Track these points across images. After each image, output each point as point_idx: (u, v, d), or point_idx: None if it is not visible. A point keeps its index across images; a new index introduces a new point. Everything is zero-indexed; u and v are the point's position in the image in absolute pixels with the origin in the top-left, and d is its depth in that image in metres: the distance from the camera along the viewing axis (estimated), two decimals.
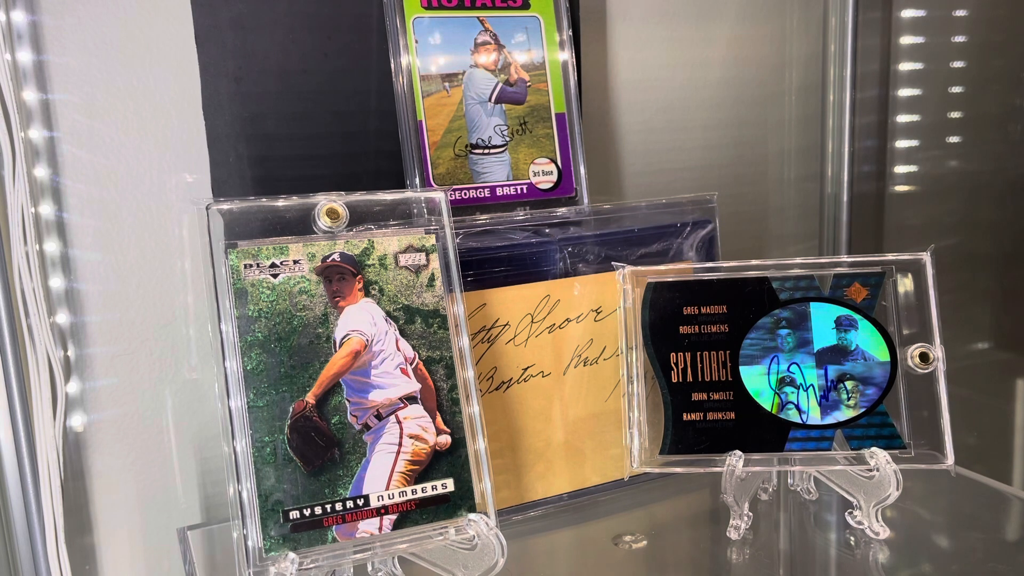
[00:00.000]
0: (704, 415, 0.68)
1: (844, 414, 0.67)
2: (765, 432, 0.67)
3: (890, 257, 0.69)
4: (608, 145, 0.94)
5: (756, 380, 0.68)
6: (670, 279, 0.69)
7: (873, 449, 0.66)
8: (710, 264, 0.71)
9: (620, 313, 0.71)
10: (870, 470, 0.65)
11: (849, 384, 0.67)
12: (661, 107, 0.96)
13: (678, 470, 0.68)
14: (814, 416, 0.67)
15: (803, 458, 0.67)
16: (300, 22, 0.74)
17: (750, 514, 0.67)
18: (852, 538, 0.67)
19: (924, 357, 0.67)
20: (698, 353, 0.68)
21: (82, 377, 0.73)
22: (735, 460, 0.66)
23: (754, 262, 0.69)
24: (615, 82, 0.93)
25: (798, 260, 0.69)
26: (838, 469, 0.67)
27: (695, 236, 0.77)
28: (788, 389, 0.68)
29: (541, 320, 0.71)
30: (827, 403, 0.67)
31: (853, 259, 0.69)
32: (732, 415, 0.68)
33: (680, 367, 0.69)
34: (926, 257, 0.68)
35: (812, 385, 0.68)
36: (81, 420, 0.74)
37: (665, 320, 0.69)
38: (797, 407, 0.67)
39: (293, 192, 0.61)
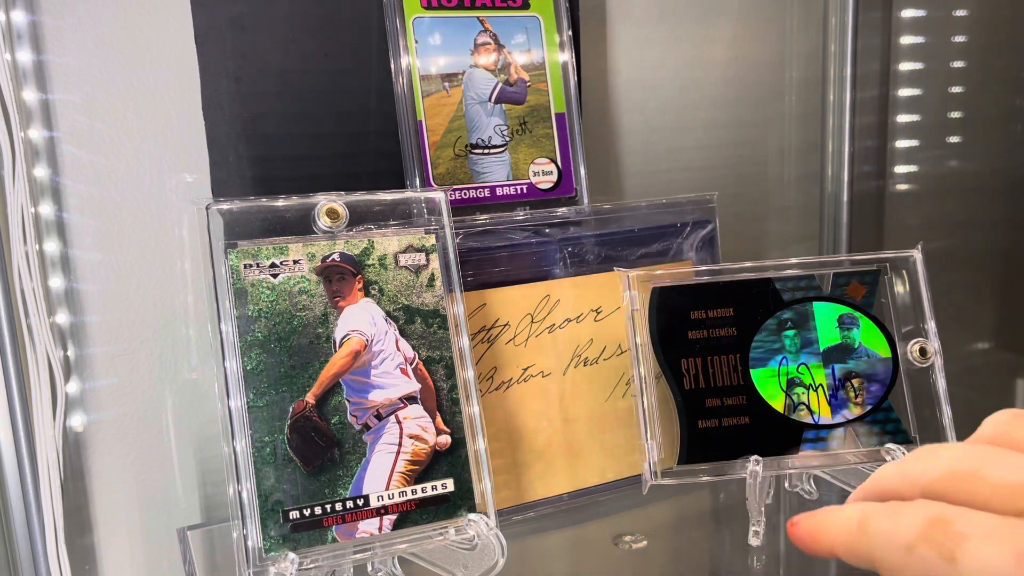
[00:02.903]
0: (719, 421, 0.67)
1: (852, 412, 0.67)
2: (779, 435, 0.67)
3: (882, 255, 0.69)
4: (608, 145, 0.94)
5: (767, 382, 0.68)
6: (676, 284, 0.68)
7: (889, 446, 0.66)
8: (711, 267, 0.71)
9: (627, 320, 0.69)
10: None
11: (855, 382, 0.68)
12: (661, 107, 0.96)
13: (700, 479, 0.66)
14: (824, 416, 0.67)
15: (819, 458, 0.67)
16: (300, 22, 0.74)
17: (762, 518, 0.67)
18: None
19: (924, 351, 0.68)
20: (708, 358, 0.68)
21: (82, 377, 0.73)
22: (756, 465, 0.65)
23: (749, 264, 0.69)
24: (615, 82, 0.93)
25: (794, 260, 0.69)
26: (853, 466, 0.67)
27: (695, 236, 0.76)
28: (798, 390, 0.67)
29: (541, 320, 0.71)
30: (836, 402, 0.67)
31: (845, 258, 0.70)
32: (747, 419, 0.67)
33: (692, 373, 0.68)
34: (916, 254, 0.69)
35: (821, 385, 0.68)
36: (81, 420, 0.74)
37: (673, 326, 0.68)
38: (808, 408, 0.67)
39: (293, 192, 0.60)
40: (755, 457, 0.66)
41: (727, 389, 0.67)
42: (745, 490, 0.65)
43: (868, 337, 0.68)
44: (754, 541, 0.66)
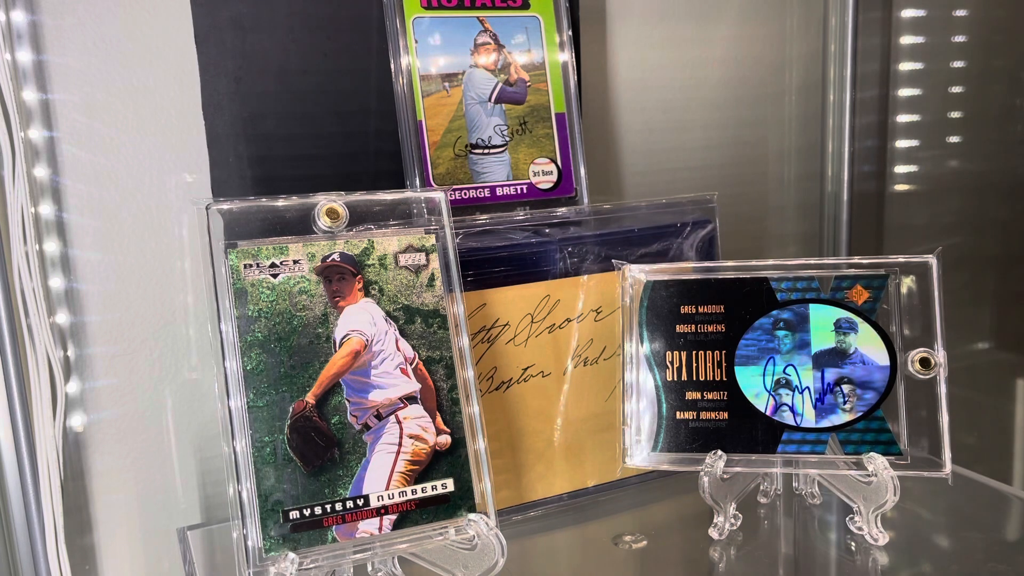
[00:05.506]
0: (697, 414, 0.68)
1: (840, 418, 0.67)
2: (758, 433, 0.67)
3: (895, 259, 0.67)
4: (608, 145, 0.94)
5: (751, 381, 0.68)
6: (668, 277, 0.69)
7: (872, 454, 0.65)
8: (711, 264, 0.71)
9: (620, 310, 0.70)
10: (868, 475, 0.65)
11: (846, 388, 0.67)
12: (661, 107, 0.96)
13: (670, 468, 0.68)
14: (808, 419, 0.67)
15: (793, 460, 0.67)
16: (300, 22, 0.74)
17: (738, 514, 0.67)
18: (852, 543, 0.66)
19: (925, 363, 0.65)
20: (694, 352, 0.68)
21: (82, 377, 0.73)
22: (715, 459, 0.66)
23: (754, 262, 0.69)
24: (615, 82, 0.93)
25: (799, 261, 0.69)
26: (831, 473, 0.66)
27: (695, 236, 0.77)
28: (783, 391, 0.67)
29: (541, 320, 0.71)
30: (822, 406, 0.67)
31: (857, 260, 0.68)
32: (725, 415, 0.68)
33: (675, 366, 0.68)
34: (932, 260, 0.66)
35: (808, 387, 0.67)
36: (81, 420, 0.74)
37: (662, 318, 0.69)
38: (791, 409, 0.67)
39: (293, 192, 0.60)
40: (717, 452, 0.66)
41: (709, 384, 0.68)
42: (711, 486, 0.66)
43: (866, 343, 0.67)
44: (713, 533, 0.66)
